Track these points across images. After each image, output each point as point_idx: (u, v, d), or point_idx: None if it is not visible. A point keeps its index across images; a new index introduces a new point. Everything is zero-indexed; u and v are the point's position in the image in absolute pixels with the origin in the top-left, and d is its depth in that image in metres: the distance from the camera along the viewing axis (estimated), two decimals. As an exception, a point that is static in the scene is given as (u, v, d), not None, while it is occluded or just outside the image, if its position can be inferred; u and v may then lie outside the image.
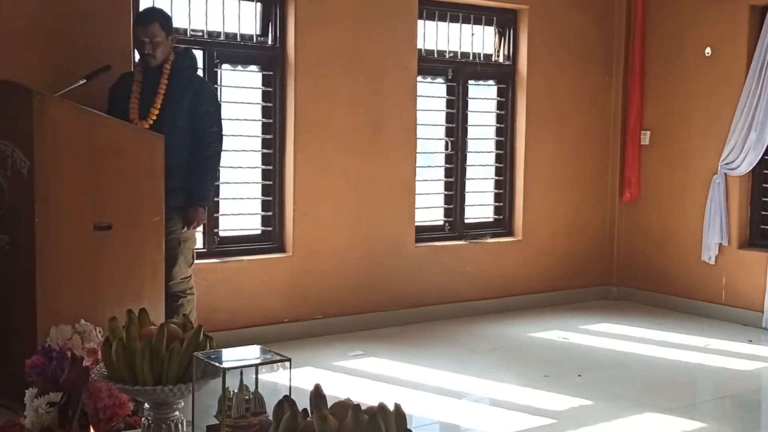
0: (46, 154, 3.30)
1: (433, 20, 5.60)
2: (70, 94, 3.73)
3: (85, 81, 3.86)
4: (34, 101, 3.25)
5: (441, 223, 5.77)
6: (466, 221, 5.84)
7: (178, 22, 4.50)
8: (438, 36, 5.63)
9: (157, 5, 4.42)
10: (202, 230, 4.70)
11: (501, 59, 5.91)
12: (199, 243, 4.62)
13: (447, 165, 5.75)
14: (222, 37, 4.80)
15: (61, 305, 3.34)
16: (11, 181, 3.42)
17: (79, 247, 3.42)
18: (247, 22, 4.91)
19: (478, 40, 5.80)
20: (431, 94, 5.67)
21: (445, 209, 5.78)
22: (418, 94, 5.42)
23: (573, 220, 6.15)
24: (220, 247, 4.88)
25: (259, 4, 4.94)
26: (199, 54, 4.59)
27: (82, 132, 3.40)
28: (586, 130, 6.15)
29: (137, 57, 4.11)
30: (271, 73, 4.97)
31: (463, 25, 5.72)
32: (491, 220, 5.98)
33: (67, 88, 3.76)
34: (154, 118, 3.88)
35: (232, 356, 2.15)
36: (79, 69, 3.94)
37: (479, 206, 5.94)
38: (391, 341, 5.03)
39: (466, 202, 5.83)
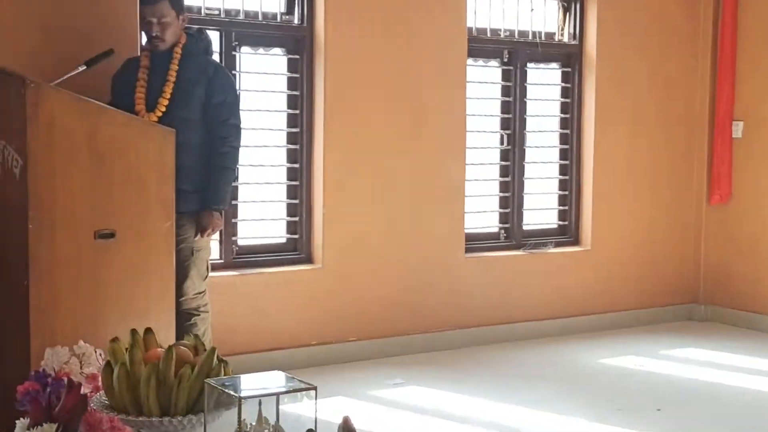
0: (40, 151, 3.33)
1: (486, -6, 5.60)
2: (69, 82, 3.79)
3: (84, 68, 3.92)
4: (27, 91, 3.28)
5: (495, 230, 5.76)
6: (525, 228, 5.82)
7: (190, 0, 4.56)
8: (491, 12, 5.62)
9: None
10: (218, 238, 4.76)
11: (566, 38, 5.88)
12: (215, 253, 4.67)
13: (502, 162, 5.74)
14: (241, 16, 4.85)
15: (57, 324, 3.38)
16: (2, 182, 3.45)
17: (78, 258, 3.46)
18: (269, -2, 4.97)
19: (539, 16, 5.79)
20: (483, 80, 5.67)
21: (500, 214, 5.77)
22: (468, 79, 5.43)
23: (651, 226, 6.09)
24: (239, 257, 4.93)
25: (283, -22, 5.00)
26: (214, 35, 4.65)
27: (82, 126, 3.44)
28: (666, 122, 6.08)
29: (144, 40, 4.18)
30: (297, 56, 5.02)
31: (520, -1, 5.72)
32: (554, 226, 5.96)
33: (64, 76, 3.82)
34: (163, 109, 3.93)
35: (250, 384, 2.18)
36: (78, 54, 4.01)
37: (540, 210, 5.92)
38: (435, 368, 5.03)
39: (525, 206, 5.82)
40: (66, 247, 3.42)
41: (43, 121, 3.34)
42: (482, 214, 5.72)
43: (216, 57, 4.48)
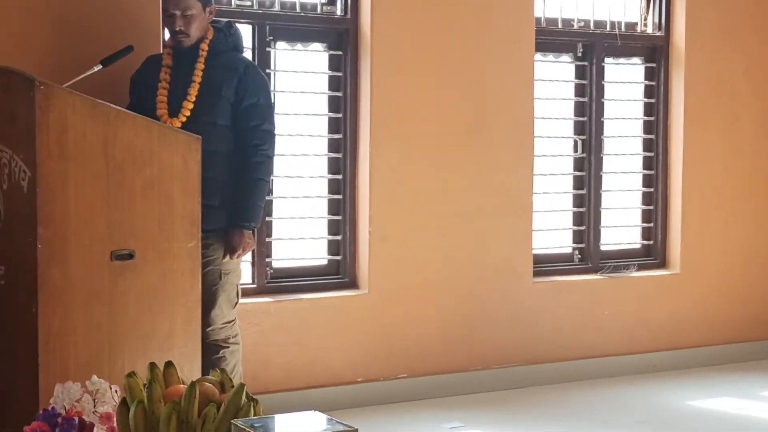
0: (51, 161, 3.39)
1: (557, -22, 5.60)
2: (83, 84, 3.85)
3: (100, 67, 3.98)
4: (37, 93, 3.34)
5: (568, 250, 5.74)
6: (603, 248, 5.79)
7: (219, -11, 4.63)
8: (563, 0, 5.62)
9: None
10: (249, 260, 4.80)
11: (649, 29, 5.84)
12: (246, 277, 4.71)
13: (576, 172, 5.71)
14: (276, 7, 4.90)
15: (69, 357, 3.43)
16: (7, 196, 3.53)
17: (93, 282, 3.51)
18: (308, -14, 5.01)
19: (619, 3, 5.76)
20: (554, 78, 5.65)
21: (574, 232, 5.74)
22: (535, 77, 5.42)
23: (751, 247, 6.00)
24: (274, 282, 4.96)
25: (324, -37, 5.05)
26: (246, 30, 4.70)
27: (98, 133, 3.49)
28: (768, 124, 6.02)
29: (167, 35, 4.24)
30: (340, 52, 5.05)
31: (596, -17, 5.71)
32: (637, 246, 5.91)
33: (78, 77, 3.89)
34: (188, 114, 3.98)
35: (283, 425, 2.19)
36: (93, 52, 4.08)
37: (620, 228, 5.88)
38: (499, 409, 5.00)
39: (603, 223, 5.78)
40: (79, 269, 3.47)
41: (54, 127, 3.39)
42: (553, 232, 5.70)
43: (248, 54, 4.53)
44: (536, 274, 5.48)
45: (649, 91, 5.88)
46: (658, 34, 5.84)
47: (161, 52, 4.24)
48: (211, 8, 4.11)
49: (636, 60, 5.88)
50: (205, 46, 4.06)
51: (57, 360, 3.41)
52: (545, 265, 5.60)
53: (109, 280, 3.53)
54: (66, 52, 4.20)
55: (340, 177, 5.08)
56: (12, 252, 3.52)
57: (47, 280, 3.40)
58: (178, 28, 4.01)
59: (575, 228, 5.74)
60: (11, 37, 4.16)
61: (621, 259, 5.80)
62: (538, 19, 5.46)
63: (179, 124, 3.95)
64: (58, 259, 3.42)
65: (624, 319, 5.68)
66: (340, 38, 5.05)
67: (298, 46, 5.02)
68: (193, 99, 4.00)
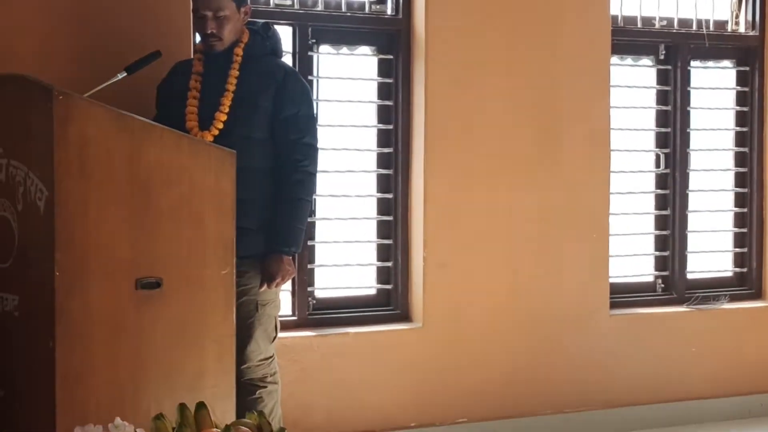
0: (70, 180, 3.42)
1: (636, -28, 5.59)
2: (105, 93, 3.90)
3: (125, 75, 4.03)
4: (55, 104, 3.37)
5: (650, 279, 5.71)
6: (690, 277, 5.75)
7: (255, -12, 4.68)
8: (642, -5, 5.62)
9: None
10: (289, 289, 4.82)
11: (741, 28, 5.81)
12: (286, 308, 4.73)
13: (658, 191, 5.69)
14: (319, 7, 4.94)
15: (90, 396, 3.46)
16: (22, 218, 3.55)
17: (116, 314, 3.53)
18: (355, -17, 5.05)
19: (706, 0, 5.74)
20: (633, 84, 5.64)
21: (657, 258, 5.71)
22: (612, 83, 5.41)
23: None
24: (316, 314, 4.98)
25: (373, -43, 5.09)
26: (285, 32, 4.75)
27: (122, 148, 3.52)
28: None
29: (197, 39, 4.29)
30: (390, 56, 5.08)
31: (681, -23, 5.69)
32: (729, 275, 5.87)
33: (100, 86, 3.94)
34: (221, 126, 4.01)
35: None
36: (116, 58, 4.13)
37: (710, 254, 5.84)
38: (572, 460, 4.98)
39: (690, 248, 5.75)
40: (101, 299, 3.50)
41: (74, 141, 3.43)
42: (632, 258, 5.67)
43: (287, 59, 4.57)
44: (613, 305, 5.45)
45: (741, 98, 5.84)
46: (751, 33, 5.81)
47: (191, 57, 4.28)
48: (246, 8, 4.11)
49: (726, 63, 5.85)
50: (239, 51, 4.08)
51: (76, 400, 3.43)
52: (624, 295, 5.57)
53: (133, 312, 3.56)
54: (87, 59, 4.27)
55: (390, 196, 5.10)
56: (27, 280, 3.55)
57: (66, 311, 3.42)
58: (209, 31, 4.03)
59: (658, 254, 5.71)
60: (27, 42, 4.23)
61: (710, 289, 5.76)
62: (614, 18, 5.45)
63: (211, 138, 3.97)
64: (78, 288, 3.44)
65: (714, 356, 5.63)
66: (391, 40, 5.08)
67: (344, 49, 5.06)
68: (227, 110, 4.01)
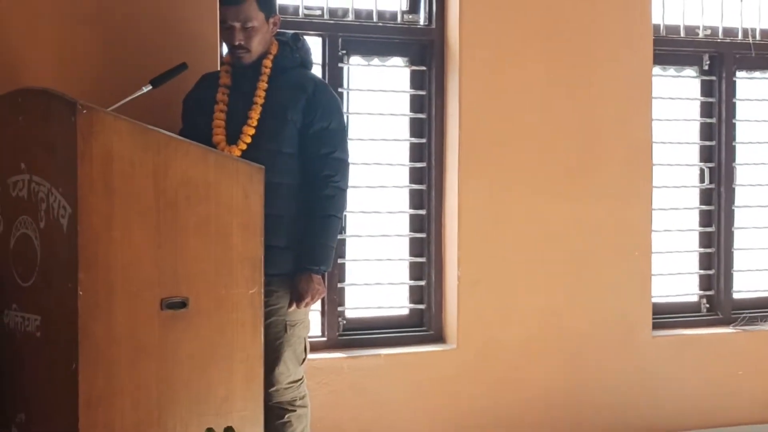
0: (94, 196, 3.42)
1: (679, -21, 5.58)
2: (130, 107, 3.92)
3: (150, 88, 4.04)
4: (79, 118, 3.38)
5: (694, 299, 5.70)
6: (736, 296, 5.74)
7: (284, -2, 4.71)
8: (686, 3, 5.58)
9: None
10: (319, 309, 4.82)
11: (789, 36, 5.79)
12: (315, 329, 4.73)
13: (703, 207, 5.66)
14: (350, 17, 4.96)
15: (113, 420, 3.46)
16: (45, 235, 3.58)
17: (140, 335, 3.53)
18: (387, -8, 5.06)
19: (753, 7, 5.71)
20: (676, 95, 5.62)
21: (702, 277, 5.70)
22: (654, 95, 5.39)
23: None
24: (347, 335, 4.98)
25: (405, -36, 5.10)
26: (315, 43, 4.77)
27: (147, 163, 3.52)
28: None
29: (224, 51, 4.30)
30: (423, 68, 5.09)
31: (725, -16, 5.67)
32: (777, 294, 5.83)
33: (125, 99, 3.96)
34: (249, 140, 4.01)
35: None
36: (142, 70, 4.15)
37: (757, 272, 5.81)
38: (613, 487, 4.94)
39: (736, 266, 5.73)
40: (125, 320, 3.50)
41: (98, 157, 3.44)
42: (676, 277, 5.65)
43: (317, 71, 4.58)
44: (656, 326, 5.43)
45: (789, 110, 5.82)
46: (800, 42, 5.79)
47: (218, 69, 4.29)
48: (275, 19, 4.12)
49: (774, 73, 5.83)
50: (268, 63, 4.09)
51: (100, 424, 3.43)
52: (667, 316, 5.56)
53: (158, 333, 3.56)
54: (111, 72, 4.28)
55: (423, 212, 5.10)
56: (49, 300, 3.56)
57: (89, 332, 3.42)
58: (237, 43, 4.04)
59: (702, 272, 5.69)
60: (49, 55, 4.25)
61: (757, 309, 5.74)
62: (656, 27, 5.44)
63: (239, 153, 3.98)
64: (102, 309, 3.45)
65: (762, 380, 5.60)
66: (424, 51, 5.09)
67: (375, 60, 5.07)
68: (255, 123, 4.01)
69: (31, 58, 4.22)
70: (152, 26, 4.38)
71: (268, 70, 4.08)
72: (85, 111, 3.40)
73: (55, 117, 3.52)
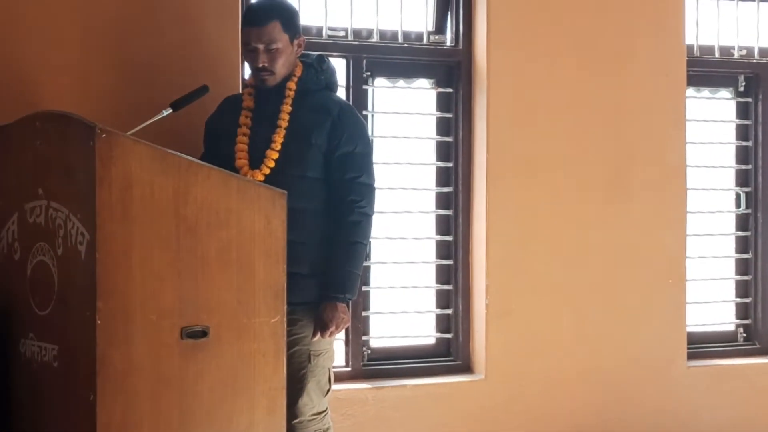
0: (113, 223, 3.43)
1: (712, -2, 5.58)
2: (150, 130, 3.93)
3: (171, 111, 4.06)
4: (98, 143, 3.38)
5: (731, 328, 5.68)
6: (774, 326, 5.70)
7: (308, 19, 4.71)
8: (720, 23, 5.57)
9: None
10: (343, 339, 4.81)
11: (828, 57, 5.77)
12: (340, 359, 4.72)
13: (739, 232, 5.64)
14: (374, 38, 4.97)
15: (133, 452, 3.48)
16: (62, 263, 3.58)
17: (160, 365, 3.53)
18: (413, 13, 5.06)
19: (789, 26, 5.72)
20: (710, 118, 5.61)
21: (738, 305, 5.68)
22: (687, 117, 5.38)
23: None
24: (372, 365, 4.98)
25: (431, -15, 5.11)
26: (339, 64, 4.78)
27: (167, 189, 3.53)
28: None
29: (247, 73, 4.31)
30: (450, 90, 5.10)
31: (762, 2, 5.64)
32: (818, 323, 5.80)
33: (145, 123, 3.97)
34: (272, 165, 4.01)
35: None
36: (162, 93, 4.17)
37: (795, 300, 5.77)
38: None
39: (774, 294, 5.69)
40: (144, 349, 3.50)
41: (117, 182, 3.44)
42: (711, 305, 5.63)
43: (341, 93, 4.58)
44: (691, 356, 5.41)
45: (829, 133, 5.79)
46: (839, 62, 5.77)
47: (240, 92, 4.31)
48: (300, 40, 4.12)
49: (812, 94, 5.81)
50: (292, 85, 4.09)
51: (118, 457, 3.46)
52: (702, 345, 5.54)
53: (179, 363, 3.56)
54: (131, 95, 4.32)
55: (450, 238, 5.10)
56: (67, 329, 3.56)
57: (107, 362, 3.42)
58: (260, 65, 4.04)
59: (739, 300, 5.67)
60: (68, 78, 4.28)
61: (797, 339, 5.70)
62: (690, 48, 5.43)
63: (262, 177, 3.98)
64: (121, 338, 3.45)
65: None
66: (451, 73, 5.10)
67: (400, 82, 5.08)
68: (279, 147, 4.01)
69: (50, 81, 4.25)
70: (173, 49, 4.42)
71: (292, 93, 4.09)
72: (104, 135, 3.40)
73: (73, 141, 3.52)
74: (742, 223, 5.66)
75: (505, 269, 5.03)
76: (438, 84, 5.10)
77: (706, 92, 5.62)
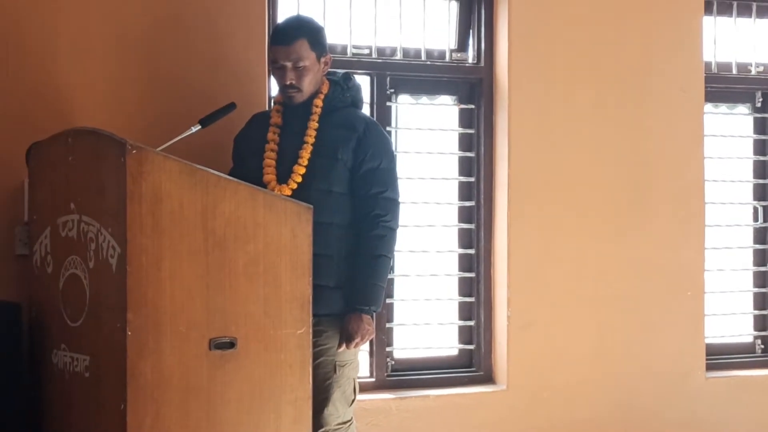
0: (144, 236, 3.45)
1: (730, 16, 5.54)
2: (179, 147, 3.96)
3: (199, 128, 4.08)
4: (128, 159, 3.41)
5: (749, 339, 5.65)
6: (792, 337, 5.67)
7: (333, 37, 4.72)
8: (738, 40, 5.56)
9: (302, 13, 4.64)
10: (367, 350, 4.80)
11: (844, 73, 5.74)
12: (364, 369, 4.71)
13: (757, 246, 5.63)
14: (398, 56, 4.98)
15: (162, 461, 3.49)
16: (94, 275, 3.61)
17: (189, 375, 3.54)
18: (435, 31, 5.06)
19: (806, 42, 5.69)
20: (728, 133, 5.59)
21: (756, 317, 5.66)
22: (706, 133, 5.37)
23: None
24: (395, 375, 4.97)
25: (453, 3, 5.10)
26: (364, 81, 4.79)
27: (196, 204, 3.55)
28: None
29: (273, 90, 4.32)
30: (472, 106, 5.09)
31: (777, 21, 5.64)
32: (836, 334, 5.76)
33: (174, 139, 4.00)
34: (299, 180, 4.02)
35: None
36: (191, 111, 4.20)
37: (813, 312, 5.74)
38: None
39: (792, 306, 5.67)
40: (174, 360, 3.52)
41: (148, 197, 3.47)
42: (730, 317, 5.61)
43: (365, 109, 4.58)
44: (710, 368, 5.39)
45: None
46: None
47: (268, 109, 4.32)
48: (327, 58, 4.14)
49: (829, 110, 5.79)
50: (319, 102, 4.11)
51: (148, 465, 3.46)
52: (721, 357, 5.51)
53: (207, 373, 3.57)
54: (160, 112, 4.34)
55: (473, 252, 5.09)
56: (98, 340, 3.59)
57: (137, 372, 3.44)
58: (288, 82, 4.06)
59: (757, 312, 5.65)
60: (99, 95, 4.31)
61: (815, 350, 5.68)
62: (708, 65, 5.43)
63: (289, 192, 3.99)
64: (151, 349, 3.47)
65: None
66: (473, 90, 5.09)
67: (423, 99, 5.09)
68: (306, 163, 4.02)
69: (82, 98, 4.28)
70: (201, 67, 4.44)
71: (318, 110, 4.10)
72: (134, 151, 3.43)
73: (104, 157, 3.55)
74: (760, 236, 5.64)
75: (526, 282, 5.02)
76: (460, 100, 5.10)
77: (723, 108, 5.60)
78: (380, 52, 4.95)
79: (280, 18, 4.58)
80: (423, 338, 5.10)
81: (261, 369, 3.68)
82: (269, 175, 4.05)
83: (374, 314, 4.16)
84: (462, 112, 5.11)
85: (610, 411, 5.15)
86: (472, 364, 5.10)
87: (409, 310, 5.05)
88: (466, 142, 5.10)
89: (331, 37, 4.58)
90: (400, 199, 4.17)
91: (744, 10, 5.58)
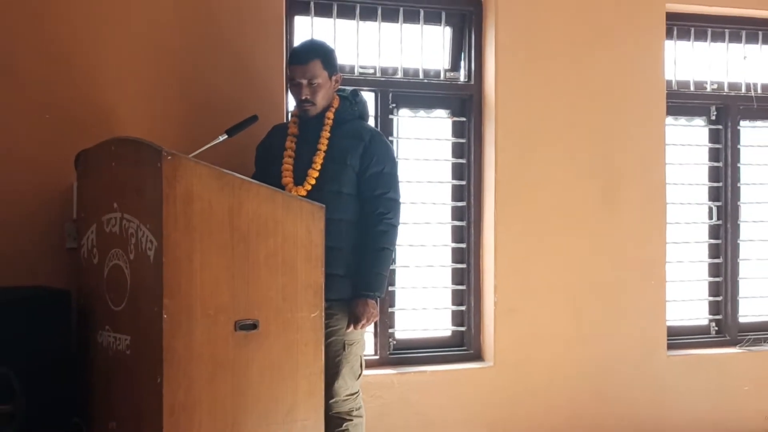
0: (177, 231, 3.47)
1: (688, 40, 5.53)
2: (208, 154, 3.96)
3: (226, 137, 4.09)
4: (164, 164, 3.43)
5: (704, 322, 5.63)
6: (742, 320, 5.66)
7: (342, 58, 4.71)
8: (695, 61, 5.55)
9: (316, 37, 4.65)
10: (372, 331, 4.80)
11: (787, 90, 5.73)
12: (369, 348, 4.71)
13: (711, 240, 5.61)
14: (399, 74, 4.97)
15: (193, 427, 3.47)
16: (134, 266, 3.63)
17: (217, 352, 3.55)
18: (432, 53, 5.06)
19: (754, 63, 5.66)
20: (687, 142, 5.58)
21: (711, 303, 5.63)
22: (667, 142, 5.35)
23: None
24: (397, 353, 4.96)
25: (447, 29, 5.09)
26: (369, 97, 4.78)
27: (224, 203, 3.56)
28: None
29: (290, 105, 4.32)
30: (463, 119, 5.08)
31: (730, 44, 5.61)
32: (779, 318, 5.74)
33: (204, 147, 4.00)
34: (313, 182, 4.04)
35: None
36: (218, 122, 4.20)
37: (760, 299, 5.73)
38: (633, 491, 4.86)
39: (741, 293, 5.65)
40: (204, 339, 3.52)
41: (181, 197, 3.47)
42: (688, 303, 5.59)
43: (370, 121, 4.58)
44: (671, 347, 5.37)
45: (788, 155, 5.75)
46: (797, 95, 5.73)
47: (286, 121, 4.32)
48: (337, 77, 4.17)
49: (774, 122, 5.77)
50: (330, 115, 4.12)
51: (181, 430, 3.45)
52: (680, 337, 5.49)
53: (232, 351, 3.58)
54: (192, 123, 4.35)
55: (464, 246, 5.08)
56: (138, 322, 3.60)
57: (172, 350, 3.45)
58: (304, 97, 4.08)
59: (711, 299, 5.63)
60: (142, 108, 4.33)
61: (761, 332, 5.66)
62: (669, 83, 5.41)
63: (304, 193, 4.01)
64: (183, 330, 3.47)
65: (765, 396, 5.50)
66: (464, 105, 5.08)
67: (421, 112, 5.07)
68: (319, 167, 4.05)
69: (125, 111, 4.30)
70: (229, 85, 4.45)
71: (330, 121, 4.12)
72: (170, 157, 3.44)
73: (143, 163, 3.55)
74: (714, 232, 5.62)
75: (511, 272, 5.01)
76: (453, 114, 5.09)
77: (683, 120, 5.59)
78: (383, 71, 4.95)
79: (296, 42, 4.58)
80: (421, 321, 5.09)
81: (280, 347, 3.68)
82: (287, 178, 4.07)
83: (378, 300, 4.16)
84: (454, 124, 5.10)
85: (583, 384, 5.14)
86: (464, 344, 5.09)
87: (408, 296, 5.04)
88: (458, 150, 5.09)
89: (341, 58, 4.58)
90: (400, 200, 4.18)
91: (700, 35, 5.57)
